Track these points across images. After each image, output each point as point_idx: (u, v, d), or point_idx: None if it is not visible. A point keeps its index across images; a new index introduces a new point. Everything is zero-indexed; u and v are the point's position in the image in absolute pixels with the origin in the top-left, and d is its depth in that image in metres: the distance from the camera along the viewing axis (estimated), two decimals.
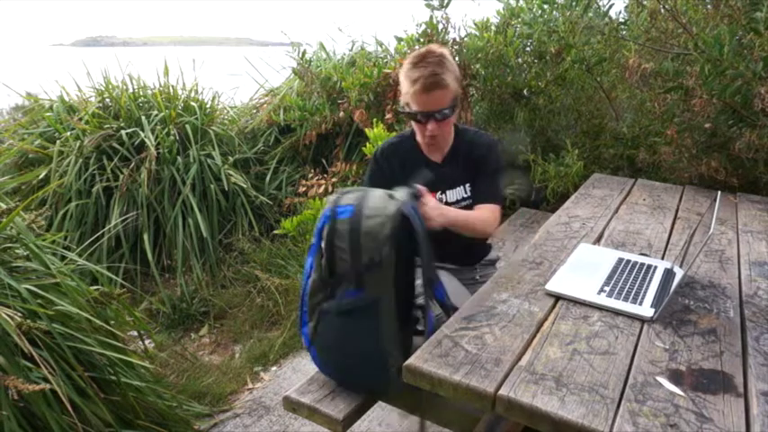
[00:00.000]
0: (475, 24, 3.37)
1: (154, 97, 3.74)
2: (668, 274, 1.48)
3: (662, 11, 2.59)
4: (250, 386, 2.38)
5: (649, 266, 1.53)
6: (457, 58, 3.35)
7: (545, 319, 1.27)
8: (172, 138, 3.37)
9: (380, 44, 4.27)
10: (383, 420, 2.09)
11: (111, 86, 3.75)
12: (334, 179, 3.45)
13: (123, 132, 3.32)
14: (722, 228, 1.88)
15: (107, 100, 3.72)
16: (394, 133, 2.93)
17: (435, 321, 1.43)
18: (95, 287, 1.84)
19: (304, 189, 3.48)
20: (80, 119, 3.44)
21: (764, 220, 1.96)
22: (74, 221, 3.03)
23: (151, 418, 1.79)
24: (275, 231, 3.24)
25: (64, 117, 3.49)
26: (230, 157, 3.67)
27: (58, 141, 3.31)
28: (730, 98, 2.26)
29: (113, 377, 1.66)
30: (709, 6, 2.54)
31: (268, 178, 3.80)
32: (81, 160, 3.19)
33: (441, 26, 3.38)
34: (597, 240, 1.77)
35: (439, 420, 1.52)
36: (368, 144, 2.80)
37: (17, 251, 1.73)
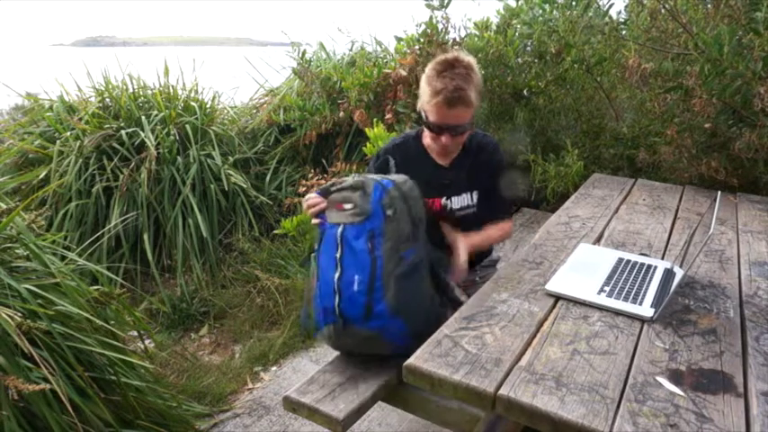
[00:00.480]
0: (475, 25, 3.38)
1: (154, 97, 3.74)
2: (668, 274, 1.48)
3: (662, 11, 2.59)
4: (250, 386, 2.38)
5: (649, 266, 1.53)
6: None
7: (545, 319, 1.28)
8: (172, 138, 3.37)
9: (380, 44, 4.27)
10: (383, 420, 2.09)
11: (111, 86, 3.75)
12: (334, 179, 3.44)
13: (123, 132, 3.32)
14: (722, 228, 1.88)
15: (107, 100, 3.71)
16: (394, 133, 2.93)
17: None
18: (95, 287, 1.84)
19: (304, 189, 3.48)
20: (80, 119, 3.44)
21: (764, 220, 1.96)
22: (74, 221, 3.03)
23: (151, 418, 1.79)
24: (275, 231, 3.24)
25: (64, 117, 3.49)
26: (230, 157, 3.67)
27: (57, 141, 3.31)
28: (730, 98, 2.26)
29: (113, 377, 1.66)
30: (709, 6, 2.54)
31: (268, 178, 3.80)
32: (81, 160, 3.19)
33: (440, 26, 3.38)
34: (597, 240, 1.77)
35: (439, 420, 1.52)
36: (368, 144, 2.80)
37: (17, 251, 1.73)
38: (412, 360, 1.12)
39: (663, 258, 1.64)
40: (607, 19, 2.88)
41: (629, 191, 2.29)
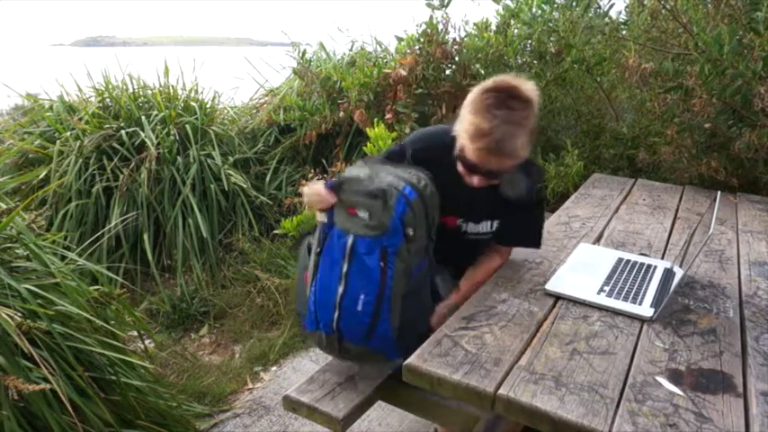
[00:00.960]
0: (475, 25, 3.38)
1: (154, 97, 3.74)
2: (668, 273, 1.48)
3: (662, 11, 2.59)
4: (250, 386, 2.38)
5: (649, 266, 1.53)
6: (457, 58, 3.35)
7: (545, 318, 1.28)
8: (172, 138, 3.37)
9: (380, 44, 4.27)
10: (383, 420, 2.09)
11: (111, 86, 3.75)
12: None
13: (123, 132, 3.32)
14: (722, 228, 1.88)
15: (107, 100, 3.71)
16: (395, 133, 2.93)
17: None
18: (95, 287, 1.84)
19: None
20: (80, 119, 3.44)
21: (764, 220, 1.96)
22: (74, 221, 3.03)
23: (151, 418, 1.79)
24: (275, 231, 3.24)
25: (64, 117, 3.49)
26: (230, 157, 3.67)
27: (57, 141, 3.31)
28: (730, 98, 2.26)
29: (113, 377, 1.66)
30: (709, 6, 2.54)
31: (268, 178, 3.80)
32: (81, 160, 3.19)
33: (441, 26, 3.38)
34: (597, 240, 1.77)
35: (439, 420, 1.52)
36: (368, 144, 2.80)
37: (17, 251, 1.73)
38: (412, 360, 1.12)
39: (663, 258, 1.64)
40: (607, 19, 2.88)
41: (629, 191, 2.29)
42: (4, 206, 1.73)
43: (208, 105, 3.99)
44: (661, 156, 2.63)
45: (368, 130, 2.84)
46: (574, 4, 2.89)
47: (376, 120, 3.09)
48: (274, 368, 2.51)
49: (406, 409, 1.59)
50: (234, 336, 2.76)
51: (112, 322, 1.84)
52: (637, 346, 1.17)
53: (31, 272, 1.68)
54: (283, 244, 3.24)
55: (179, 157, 3.33)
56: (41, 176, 3.15)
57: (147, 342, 2.35)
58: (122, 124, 3.42)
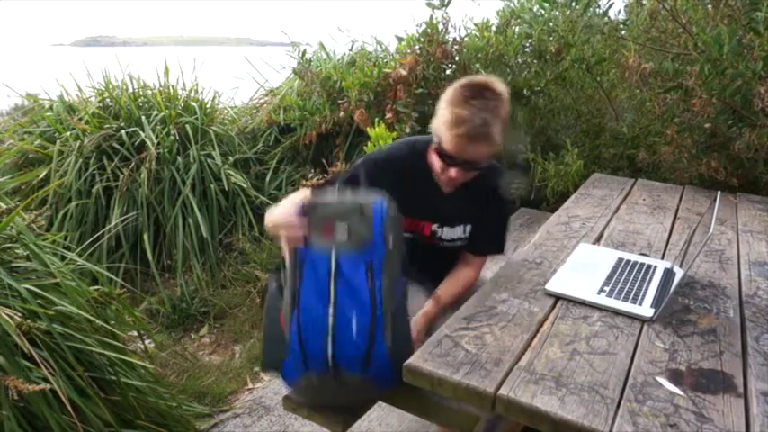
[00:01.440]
0: (475, 26, 3.38)
1: (154, 97, 3.74)
2: (668, 274, 1.48)
3: (662, 11, 2.59)
4: (250, 386, 2.38)
5: (649, 266, 1.53)
6: (457, 58, 3.35)
7: (545, 319, 1.28)
8: (172, 138, 3.37)
9: (380, 44, 4.27)
10: (383, 420, 2.09)
11: (111, 86, 3.75)
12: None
13: (123, 132, 3.32)
14: (722, 228, 1.88)
15: (107, 100, 3.71)
16: (395, 133, 2.93)
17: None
18: (95, 287, 1.84)
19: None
20: (80, 119, 3.44)
21: (764, 220, 1.96)
22: (74, 221, 3.03)
23: (151, 418, 1.79)
24: None
25: (64, 117, 3.49)
26: (230, 157, 3.67)
27: (57, 141, 3.31)
28: (730, 98, 2.26)
29: (113, 377, 1.66)
30: (709, 6, 2.54)
31: (268, 178, 3.80)
32: (81, 160, 3.19)
33: (441, 26, 3.38)
34: (597, 240, 1.77)
35: (439, 420, 1.52)
36: (368, 143, 2.80)
37: (17, 251, 1.73)
38: (412, 360, 1.12)
39: (663, 258, 1.64)
40: (606, 19, 2.88)
41: (629, 191, 2.29)
42: (4, 206, 1.73)
43: (208, 105, 3.99)
44: (661, 156, 2.63)
45: (368, 129, 2.84)
46: (573, 3, 2.89)
47: (376, 119, 3.09)
48: None
49: (405, 410, 1.59)
50: (234, 336, 2.76)
51: (112, 322, 1.84)
52: (637, 346, 1.17)
53: (31, 272, 1.68)
54: None
55: (179, 157, 3.33)
56: (41, 176, 3.15)
57: (147, 342, 2.35)
58: (122, 124, 3.42)
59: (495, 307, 1.32)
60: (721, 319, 1.28)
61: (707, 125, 2.43)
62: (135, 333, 2.17)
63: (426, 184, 1.57)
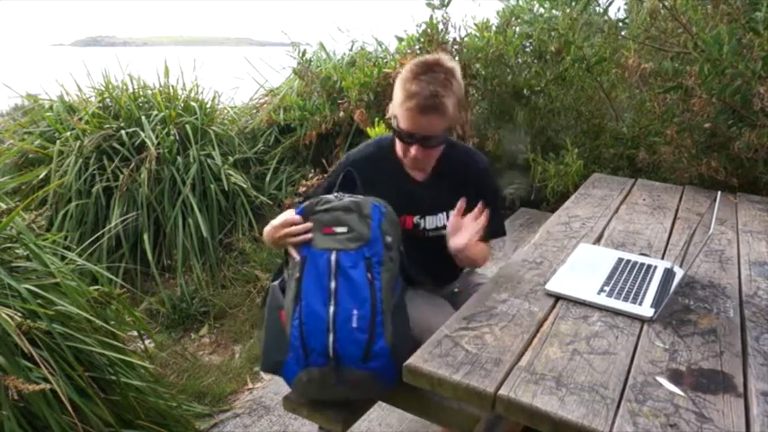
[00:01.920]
0: (475, 26, 3.38)
1: (154, 97, 3.74)
2: (668, 274, 1.48)
3: (662, 10, 2.59)
4: (250, 386, 2.38)
5: (649, 266, 1.53)
6: (457, 58, 3.35)
7: (545, 319, 1.27)
8: (172, 138, 3.37)
9: (380, 44, 4.27)
10: (383, 420, 2.09)
11: (111, 86, 3.75)
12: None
13: (123, 132, 3.32)
14: (722, 228, 1.88)
15: (107, 100, 3.71)
16: None
17: None
18: (95, 287, 1.84)
19: (304, 189, 3.47)
20: (80, 119, 3.44)
21: (764, 220, 1.96)
22: (74, 221, 3.03)
23: (151, 418, 1.79)
24: None
25: (64, 117, 3.49)
26: (230, 157, 3.67)
27: (57, 141, 3.31)
28: (730, 98, 2.26)
29: (113, 377, 1.66)
30: (708, 6, 2.54)
31: (268, 178, 3.80)
32: (81, 160, 3.19)
33: (441, 26, 3.38)
34: (597, 240, 1.77)
35: (439, 420, 1.52)
36: None
37: (17, 251, 1.73)
38: (412, 360, 1.12)
39: (663, 258, 1.64)
40: (606, 17, 2.88)
41: (629, 191, 2.29)
42: (4, 206, 1.73)
43: (208, 105, 3.99)
44: (661, 156, 2.63)
45: (368, 129, 2.84)
46: (573, 2, 2.89)
47: (376, 119, 3.09)
48: None
49: (406, 410, 1.59)
50: (234, 336, 2.76)
51: (112, 322, 1.84)
52: (637, 346, 1.17)
53: (31, 272, 1.68)
54: None
55: (179, 157, 3.33)
56: (41, 176, 3.15)
57: (147, 342, 2.35)
58: (122, 124, 3.42)
59: (496, 307, 1.32)
60: (721, 319, 1.28)
61: (707, 125, 2.43)
62: (135, 333, 2.17)
63: (398, 177, 1.60)
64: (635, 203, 2.13)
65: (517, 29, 3.29)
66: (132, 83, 3.82)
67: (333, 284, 1.31)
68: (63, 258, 1.92)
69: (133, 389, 1.76)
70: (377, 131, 2.78)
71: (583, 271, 1.50)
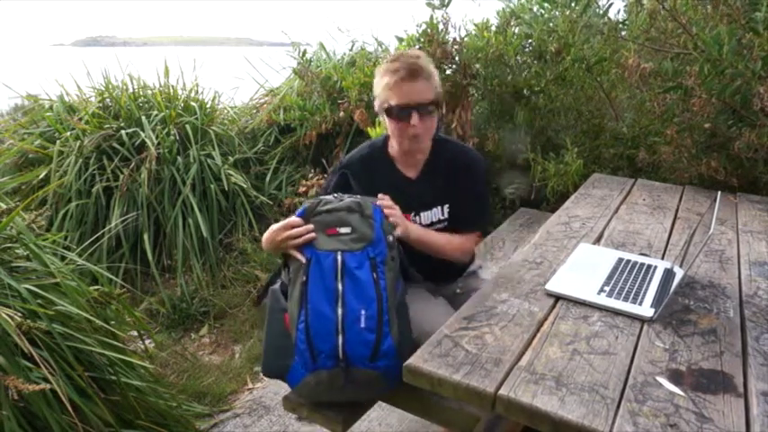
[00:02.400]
0: (475, 26, 3.38)
1: (154, 97, 3.74)
2: (668, 274, 1.48)
3: (661, 11, 2.59)
4: (250, 386, 2.38)
5: (649, 266, 1.53)
6: (457, 58, 3.35)
7: (545, 319, 1.27)
8: (172, 138, 3.37)
9: (380, 44, 4.27)
10: (383, 420, 2.09)
11: (111, 86, 3.75)
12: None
13: (123, 132, 3.32)
14: (722, 228, 1.88)
15: (107, 100, 3.72)
16: None
17: None
18: (95, 287, 1.84)
19: (304, 189, 3.48)
20: (80, 119, 3.44)
21: (764, 220, 1.96)
22: (74, 221, 3.03)
23: (151, 418, 1.79)
24: None
25: (64, 117, 3.49)
26: (230, 157, 3.67)
27: (57, 141, 3.31)
28: (730, 98, 2.26)
29: (113, 377, 1.66)
30: (708, 6, 2.54)
31: (268, 178, 3.80)
32: (81, 160, 3.19)
33: (441, 26, 3.38)
34: (597, 240, 1.77)
35: (439, 420, 1.52)
36: None
37: (17, 251, 1.73)
38: (412, 360, 1.12)
39: (663, 258, 1.64)
40: (606, 19, 2.88)
41: (629, 191, 2.29)
42: (4, 206, 1.73)
43: (208, 105, 3.99)
44: (661, 156, 2.63)
45: (368, 129, 2.84)
46: (573, 3, 2.89)
47: (376, 119, 3.09)
48: None
49: (406, 410, 1.59)
50: (234, 336, 2.76)
51: (112, 322, 1.84)
52: (637, 346, 1.17)
53: (31, 272, 1.68)
54: None
55: (179, 157, 3.33)
56: (41, 176, 3.15)
57: (147, 342, 2.35)
58: (122, 124, 3.42)
59: (496, 307, 1.32)
60: (721, 319, 1.28)
61: (707, 125, 2.43)
62: (135, 333, 2.17)
63: (392, 175, 1.63)
64: (635, 203, 2.13)
65: (517, 29, 3.29)
66: (132, 83, 3.82)
67: (340, 286, 1.31)
68: (63, 258, 1.92)
69: (133, 389, 1.76)
70: (377, 131, 2.78)
71: (583, 271, 1.50)
